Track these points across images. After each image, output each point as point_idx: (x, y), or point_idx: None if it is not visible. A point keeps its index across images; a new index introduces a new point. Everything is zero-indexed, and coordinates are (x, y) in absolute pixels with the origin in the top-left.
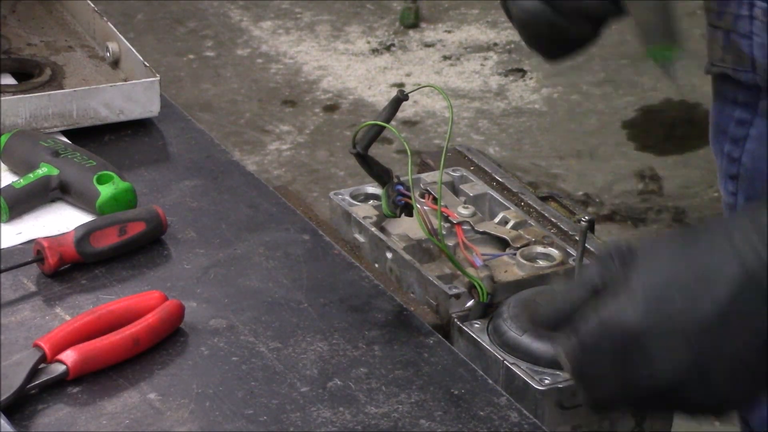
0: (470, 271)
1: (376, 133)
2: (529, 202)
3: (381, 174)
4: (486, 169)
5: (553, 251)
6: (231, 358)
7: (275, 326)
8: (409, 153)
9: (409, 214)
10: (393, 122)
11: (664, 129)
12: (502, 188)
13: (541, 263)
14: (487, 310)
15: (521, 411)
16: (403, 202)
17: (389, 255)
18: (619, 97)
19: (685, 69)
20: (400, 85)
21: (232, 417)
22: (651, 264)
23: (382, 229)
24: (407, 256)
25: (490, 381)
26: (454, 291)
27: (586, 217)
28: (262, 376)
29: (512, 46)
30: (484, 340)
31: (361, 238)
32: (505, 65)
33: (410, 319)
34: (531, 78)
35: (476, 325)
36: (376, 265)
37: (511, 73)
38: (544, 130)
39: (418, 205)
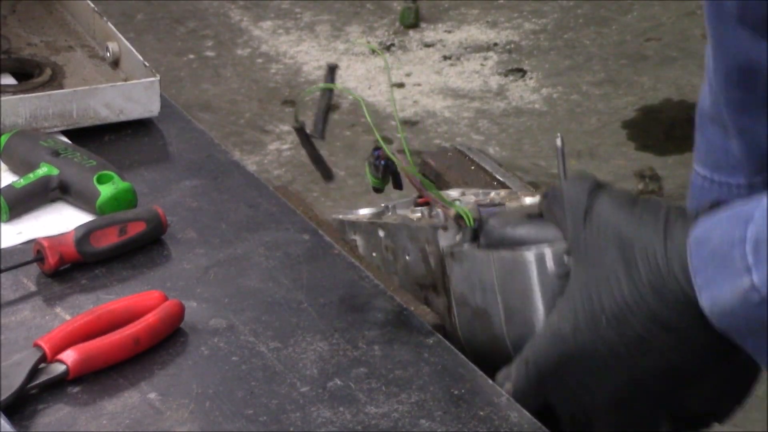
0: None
1: (326, 105)
2: None
3: (319, 160)
4: (486, 168)
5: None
6: (231, 358)
7: (275, 326)
8: (408, 153)
9: (396, 180)
10: (392, 122)
11: (664, 129)
12: (502, 188)
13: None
14: (477, 234)
15: (521, 411)
16: (383, 161)
17: (381, 233)
18: (619, 97)
19: (686, 69)
20: (401, 85)
21: (232, 417)
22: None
23: None
24: (397, 221)
25: (490, 381)
26: (441, 223)
27: (560, 135)
28: (262, 376)
29: (512, 46)
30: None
31: (357, 239)
32: (505, 65)
33: (410, 319)
34: (531, 78)
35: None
36: (374, 255)
37: (511, 73)
38: (544, 130)
39: (397, 157)
